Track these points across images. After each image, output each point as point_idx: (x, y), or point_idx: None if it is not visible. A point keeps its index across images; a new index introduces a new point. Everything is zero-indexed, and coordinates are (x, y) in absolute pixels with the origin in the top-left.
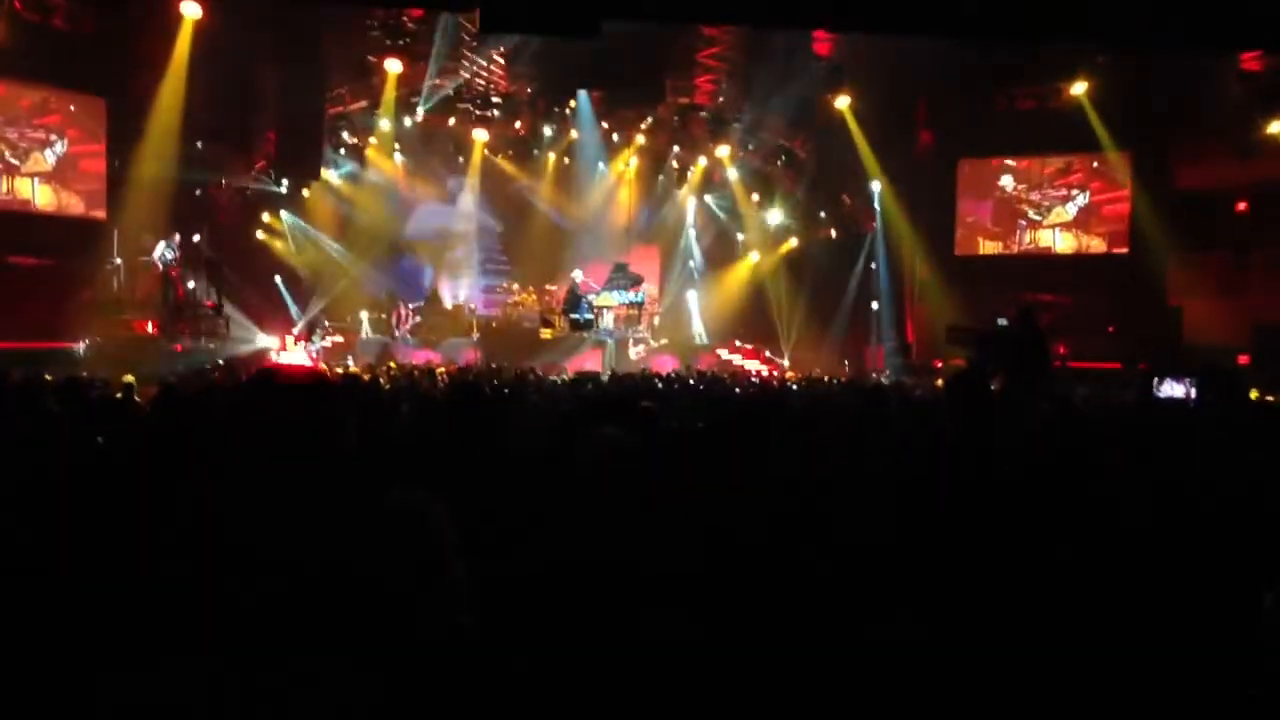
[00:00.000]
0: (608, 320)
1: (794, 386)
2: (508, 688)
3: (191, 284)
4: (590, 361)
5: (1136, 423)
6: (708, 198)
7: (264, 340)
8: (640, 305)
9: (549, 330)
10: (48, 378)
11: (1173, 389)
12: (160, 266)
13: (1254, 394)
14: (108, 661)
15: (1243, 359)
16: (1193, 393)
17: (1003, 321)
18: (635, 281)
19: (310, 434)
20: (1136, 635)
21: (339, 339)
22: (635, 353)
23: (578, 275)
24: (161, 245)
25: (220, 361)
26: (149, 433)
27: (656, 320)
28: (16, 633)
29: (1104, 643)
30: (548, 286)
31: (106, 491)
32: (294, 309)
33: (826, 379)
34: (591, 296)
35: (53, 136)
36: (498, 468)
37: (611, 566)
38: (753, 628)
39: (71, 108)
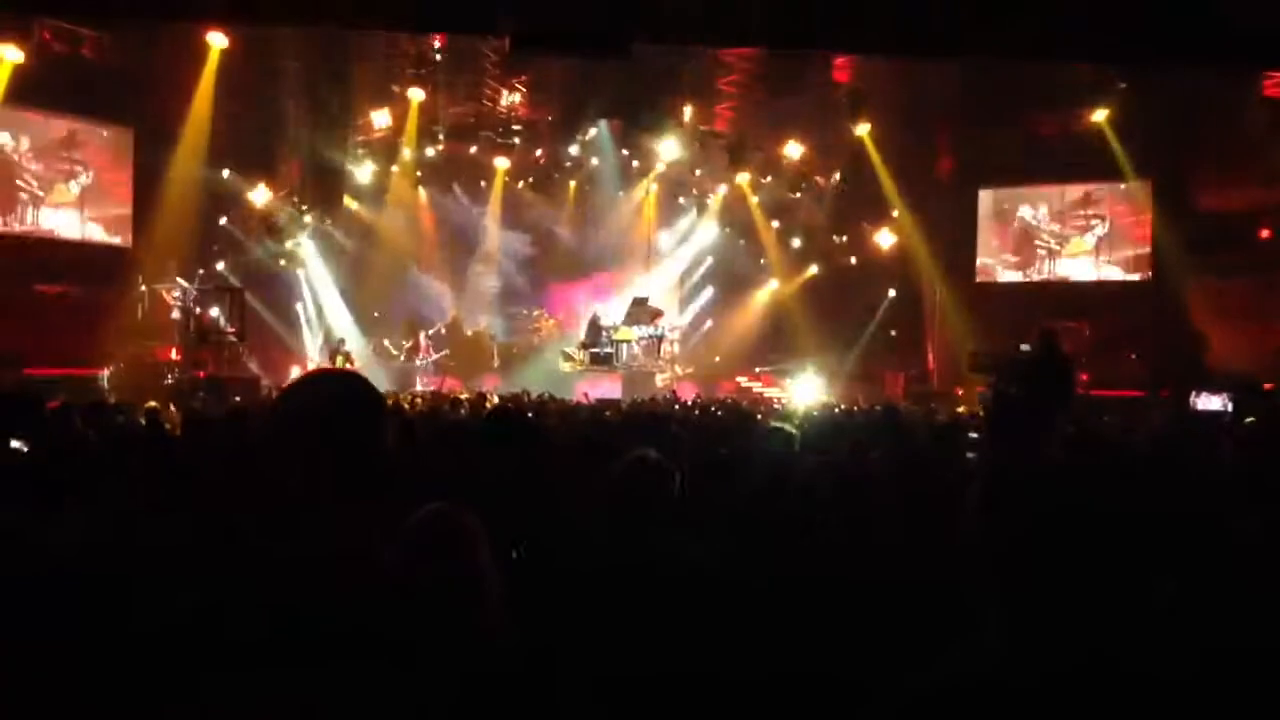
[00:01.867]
0: (627, 354)
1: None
2: (543, 702)
3: (215, 311)
4: (610, 389)
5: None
6: (727, 226)
7: (285, 366)
8: (660, 339)
9: (569, 364)
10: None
11: (1209, 402)
12: (179, 300)
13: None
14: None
15: (1268, 386)
16: (1229, 406)
17: (1025, 347)
18: (654, 315)
19: (355, 426)
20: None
21: (360, 365)
22: (661, 379)
23: (598, 307)
24: (175, 285)
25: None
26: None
27: (676, 348)
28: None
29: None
30: (566, 314)
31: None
32: (315, 335)
33: (851, 407)
34: (611, 330)
35: (78, 168)
36: (529, 489)
37: (645, 578)
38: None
39: (99, 138)
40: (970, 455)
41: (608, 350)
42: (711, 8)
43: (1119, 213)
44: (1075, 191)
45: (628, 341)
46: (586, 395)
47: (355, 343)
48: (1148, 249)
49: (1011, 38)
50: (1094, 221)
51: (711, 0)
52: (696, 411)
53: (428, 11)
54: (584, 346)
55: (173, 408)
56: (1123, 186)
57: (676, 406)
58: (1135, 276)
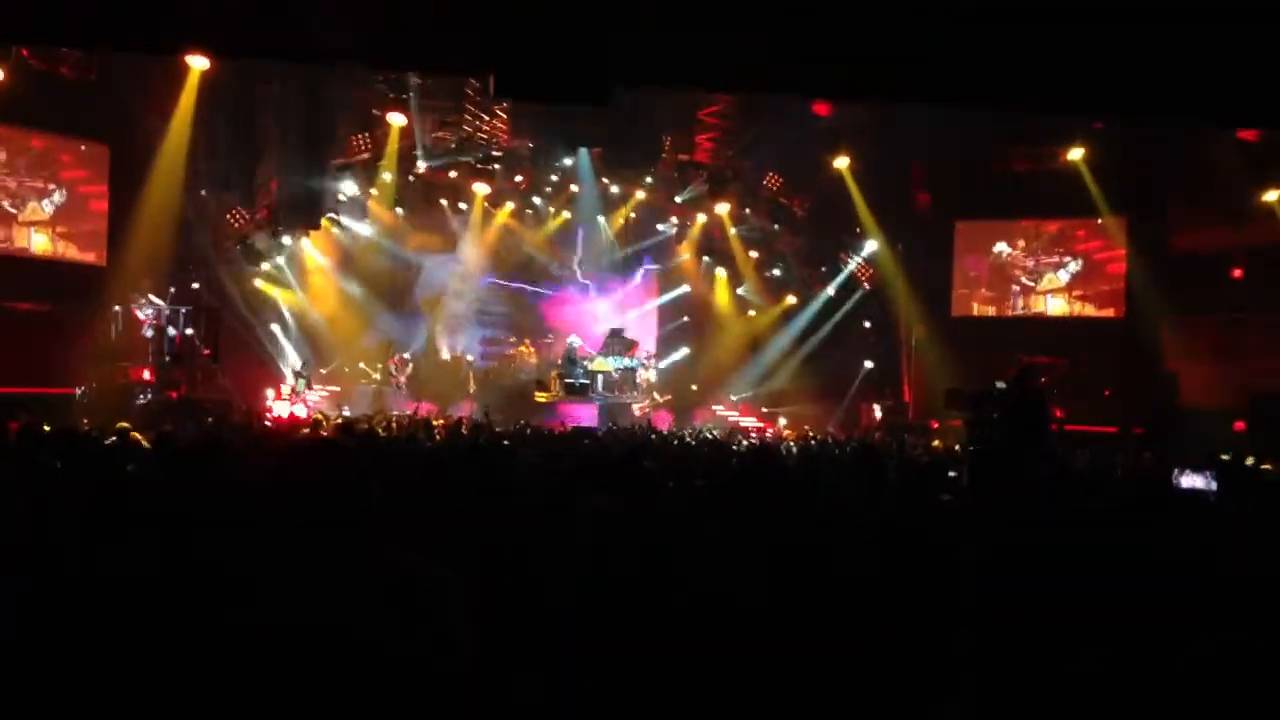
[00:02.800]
0: (602, 385)
1: (791, 446)
2: None
3: (190, 330)
4: (586, 417)
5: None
6: (705, 255)
7: (259, 389)
8: (635, 370)
9: (544, 394)
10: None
11: (1193, 480)
12: (152, 319)
13: (1249, 460)
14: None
15: (1239, 425)
16: (1213, 485)
17: (1000, 385)
18: (630, 346)
19: (333, 499)
20: None
21: (335, 388)
22: (637, 408)
23: (574, 340)
24: (148, 303)
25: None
26: (148, 484)
27: (653, 375)
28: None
29: None
30: (545, 340)
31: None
32: (292, 357)
33: (824, 438)
34: (586, 362)
35: (51, 185)
36: (497, 526)
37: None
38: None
39: (75, 155)
40: (946, 497)
41: (583, 381)
42: (691, 54)
43: (1093, 249)
44: (1050, 227)
45: (604, 372)
46: (563, 424)
47: (330, 365)
48: (1121, 286)
49: (989, 86)
50: (1068, 258)
51: (691, 47)
52: (675, 442)
53: (411, 52)
54: (559, 377)
55: (139, 436)
56: (1098, 223)
57: (653, 436)
58: (1109, 313)
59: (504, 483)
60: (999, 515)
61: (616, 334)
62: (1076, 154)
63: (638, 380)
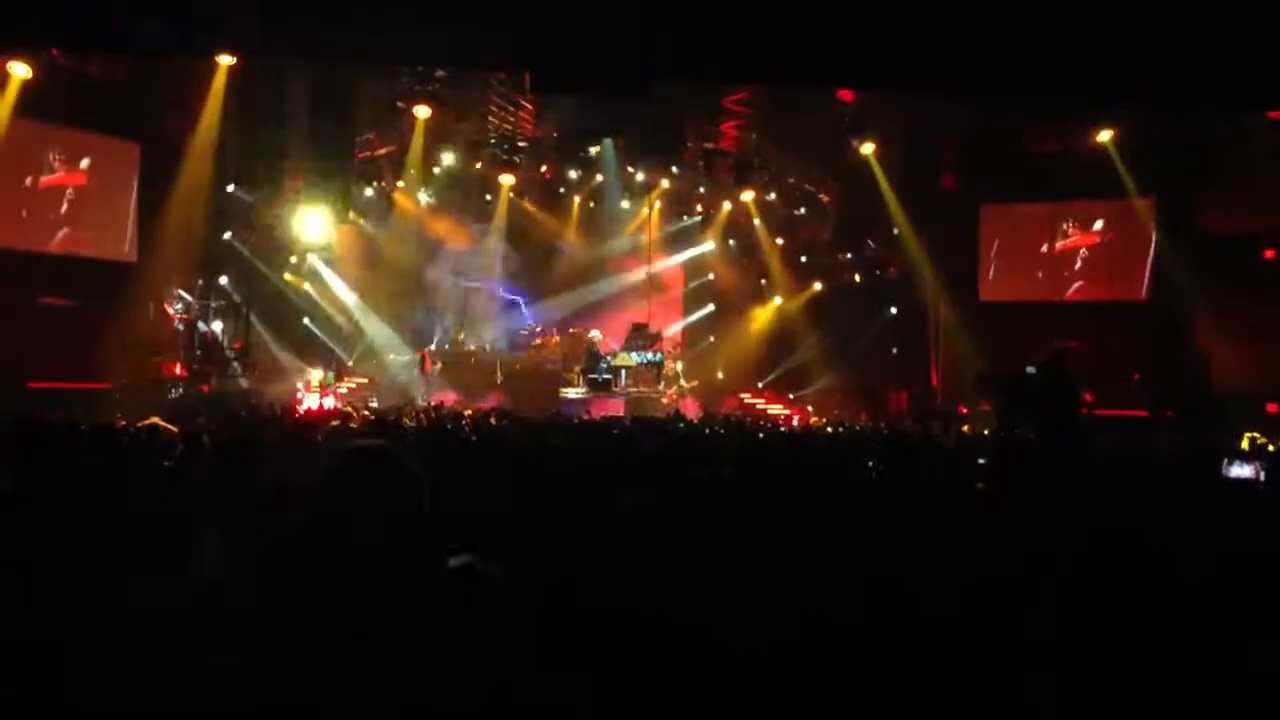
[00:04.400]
0: (626, 380)
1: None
2: None
3: (219, 325)
4: (612, 410)
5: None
6: (731, 242)
7: (288, 382)
8: (659, 364)
9: (568, 390)
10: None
11: (1240, 470)
12: (180, 314)
13: None
14: None
15: (1271, 407)
16: (1261, 475)
17: (1031, 369)
18: (653, 341)
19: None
20: None
21: (363, 380)
22: (664, 397)
23: (596, 335)
24: (178, 298)
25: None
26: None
27: (680, 365)
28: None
29: None
30: (571, 330)
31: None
32: (321, 350)
33: (854, 425)
34: (610, 357)
35: (82, 183)
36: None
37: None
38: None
39: (106, 153)
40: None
41: (607, 377)
42: (727, 47)
43: (1122, 231)
44: (1078, 209)
45: (627, 367)
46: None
47: (357, 358)
48: (1150, 268)
49: (1014, 74)
50: (1097, 240)
51: (727, 40)
52: (707, 430)
53: (448, 50)
54: (583, 373)
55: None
56: (1127, 205)
57: (681, 425)
58: (1138, 296)
59: (534, 477)
60: (1031, 508)
61: (639, 328)
62: (1105, 136)
63: (662, 375)
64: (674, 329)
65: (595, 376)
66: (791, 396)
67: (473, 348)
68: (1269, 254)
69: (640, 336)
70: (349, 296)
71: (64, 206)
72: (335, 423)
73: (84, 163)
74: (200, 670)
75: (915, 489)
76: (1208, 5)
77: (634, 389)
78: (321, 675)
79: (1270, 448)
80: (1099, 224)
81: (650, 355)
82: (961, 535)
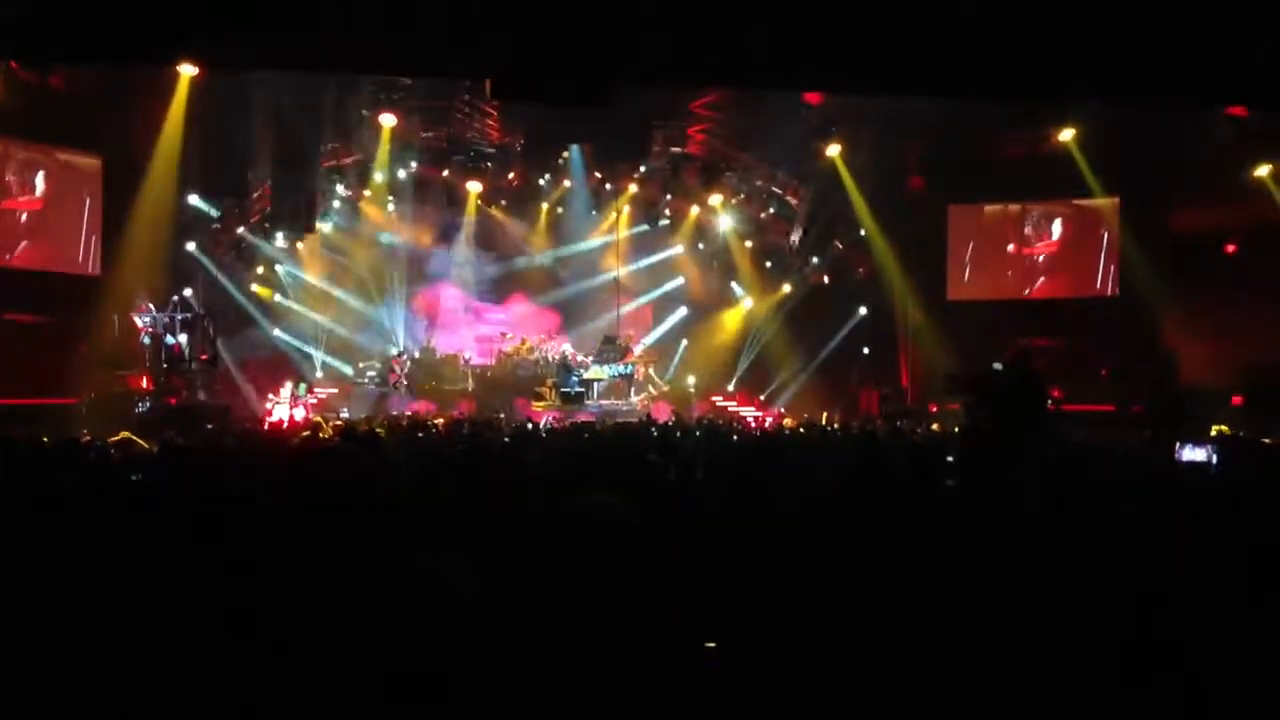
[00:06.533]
0: (598, 393)
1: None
2: None
3: (185, 337)
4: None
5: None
6: (700, 245)
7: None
8: (630, 377)
9: (540, 403)
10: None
11: (1194, 454)
12: (148, 327)
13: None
14: None
15: (1236, 400)
16: (1213, 458)
17: (997, 366)
18: (624, 353)
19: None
20: None
21: (334, 391)
22: (637, 400)
23: (567, 348)
24: (144, 311)
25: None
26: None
27: (651, 370)
28: None
29: None
30: (541, 336)
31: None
32: (290, 361)
33: (825, 426)
34: (581, 370)
35: (43, 197)
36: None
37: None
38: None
39: (67, 166)
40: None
41: (579, 390)
42: (687, 52)
43: (1088, 229)
44: (1044, 208)
45: (598, 380)
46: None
47: (326, 368)
48: (1116, 265)
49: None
50: (1062, 238)
51: (687, 45)
52: (678, 433)
53: (409, 57)
54: (554, 387)
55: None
56: (1091, 203)
57: (653, 430)
58: (1104, 293)
59: (506, 481)
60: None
61: (610, 340)
62: (1067, 135)
63: (633, 387)
64: (645, 342)
65: (568, 390)
66: (762, 398)
67: (442, 355)
68: (1231, 248)
69: (611, 350)
70: (317, 306)
71: (24, 218)
72: (306, 434)
73: (43, 176)
74: None
75: (878, 488)
76: (1166, 2)
77: (606, 401)
78: None
79: (1223, 429)
80: (1066, 223)
81: (621, 368)
82: (926, 532)
